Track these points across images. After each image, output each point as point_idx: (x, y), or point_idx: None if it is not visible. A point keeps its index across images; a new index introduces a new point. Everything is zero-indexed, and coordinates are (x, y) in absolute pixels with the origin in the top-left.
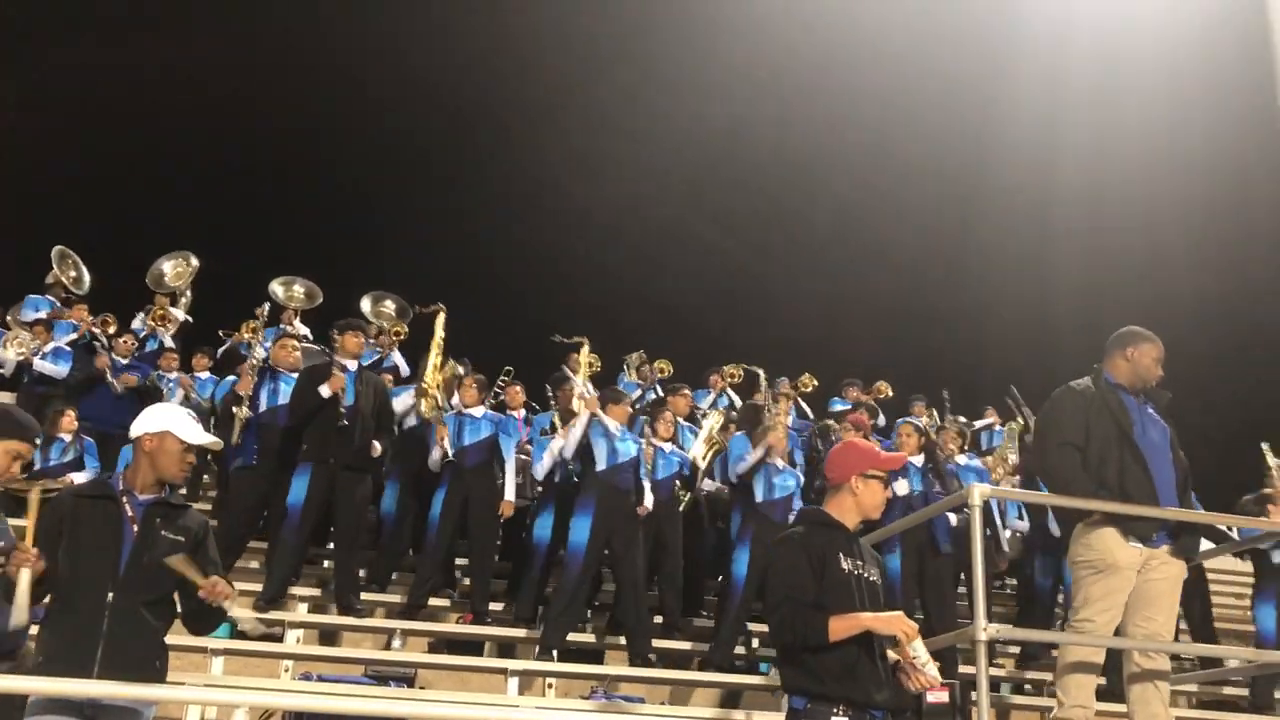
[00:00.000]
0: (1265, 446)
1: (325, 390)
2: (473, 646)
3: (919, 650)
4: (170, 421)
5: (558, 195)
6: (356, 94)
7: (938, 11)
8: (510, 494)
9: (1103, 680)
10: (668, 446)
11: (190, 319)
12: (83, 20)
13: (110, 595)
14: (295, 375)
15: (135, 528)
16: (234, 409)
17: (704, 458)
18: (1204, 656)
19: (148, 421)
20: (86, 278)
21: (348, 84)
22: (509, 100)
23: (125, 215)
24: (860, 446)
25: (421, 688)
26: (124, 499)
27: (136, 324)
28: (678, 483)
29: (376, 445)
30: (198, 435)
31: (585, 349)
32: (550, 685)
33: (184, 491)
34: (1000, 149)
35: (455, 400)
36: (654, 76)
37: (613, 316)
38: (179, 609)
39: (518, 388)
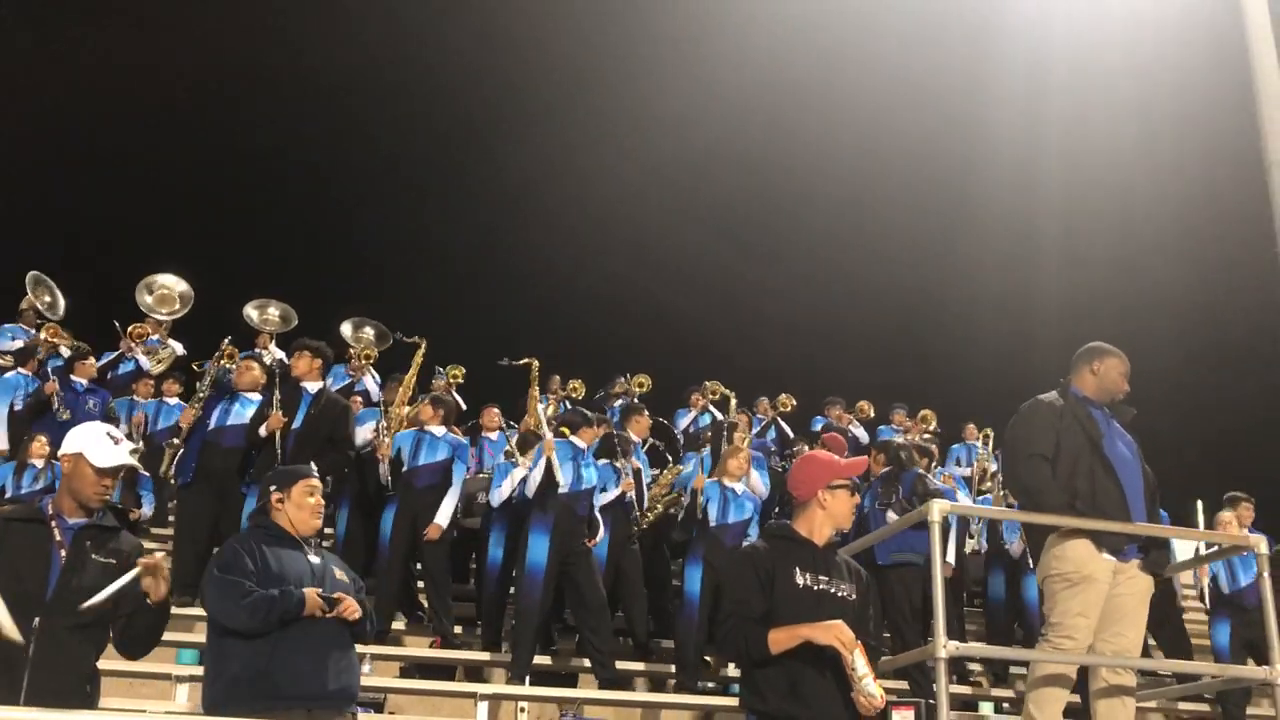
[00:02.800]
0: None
1: (263, 430)
2: (443, 671)
3: (859, 664)
4: (84, 443)
5: (542, 204)
6: (337, 104)
7: (923, 22)
8: (442, 519)
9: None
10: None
11: (186, 353)
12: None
13: (36, 620)
14: (252, 397)
15: (63, 552)
16: (170, 439)
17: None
18: (1180, 673)
19: (66, 443)
20: (61, 302)
21: (329, 94)
22: (494, 108)
23: (92, 237)
24: (820, 458)
25: (391, 713)
26: (53, 523)
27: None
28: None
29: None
30: (109, 457)
31: (535, 372)
32: (522, 709)
33: (148, 513)
34: (980, 158)
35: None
36: (640, 87)
37: (598, 328)
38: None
39: (494, 410)
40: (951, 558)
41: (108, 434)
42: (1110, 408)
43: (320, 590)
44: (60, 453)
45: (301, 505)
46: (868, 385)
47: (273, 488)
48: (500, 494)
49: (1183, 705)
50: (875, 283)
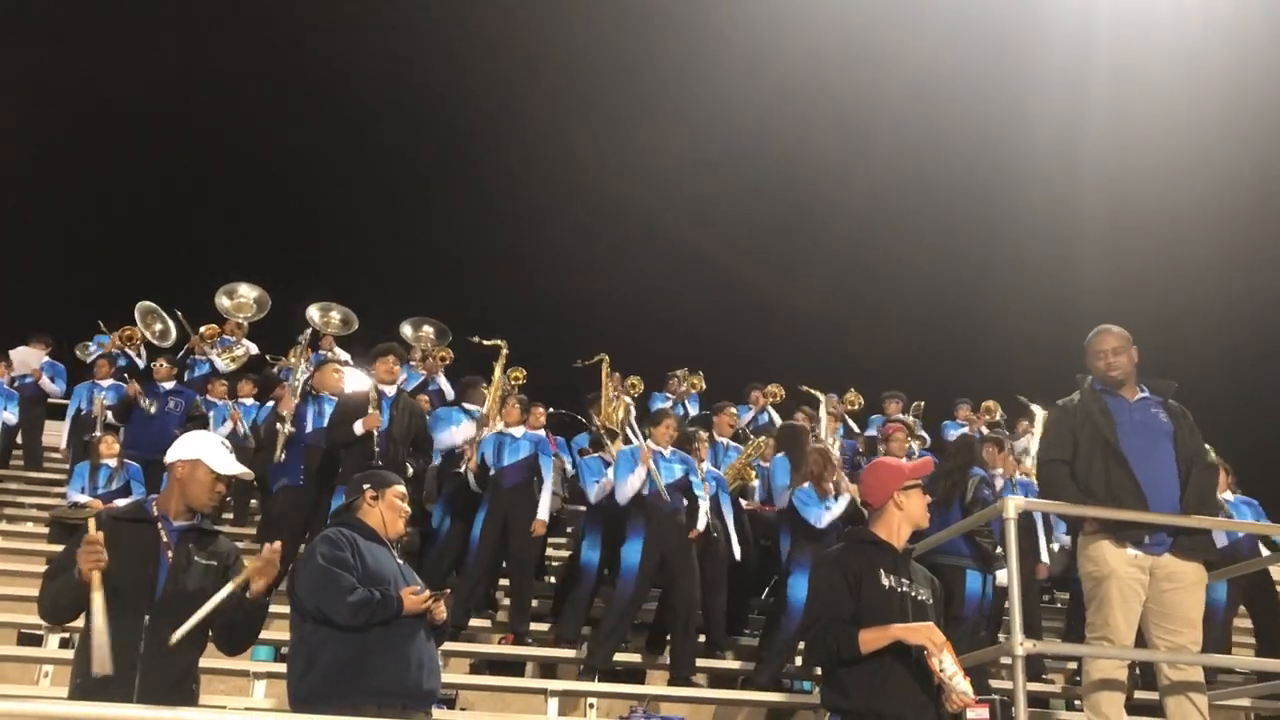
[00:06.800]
0: None
1: (359, 428)
2: (514, 667)
3: (947, 664)
4: (203, 450)
5: (564, 211)
6: (362, 112)
7: (958, 19)
8: (544, 513)
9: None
10: (704, 466)
11: (258, 351)
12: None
13: (146, 619)
14: (336, 398)
15: (170, 553)
16: (277, 426)
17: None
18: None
19: (182, 448)
20: (173, 331)
21: (346, 93)
22: (516, 118)
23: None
24: (888, 464)
25: (463, 709)
26: (159, 524)
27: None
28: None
29: (409, 467)
30: (229, 466)
31: (605, 368)
32: (592, 705)
33: (230, 516)
34: (1022, 153)
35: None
36: (673, 84)
37: (625, 335)
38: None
39: (540, 409)
40: (1045, 555)
41: (221, 443)
42: (1148, 386)
43: (415, 589)
44: (173, 457)
45: (393, 507)
46: (907, 384)
47: (367, 486)
48: (597, 490)
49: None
50: (914, 282)
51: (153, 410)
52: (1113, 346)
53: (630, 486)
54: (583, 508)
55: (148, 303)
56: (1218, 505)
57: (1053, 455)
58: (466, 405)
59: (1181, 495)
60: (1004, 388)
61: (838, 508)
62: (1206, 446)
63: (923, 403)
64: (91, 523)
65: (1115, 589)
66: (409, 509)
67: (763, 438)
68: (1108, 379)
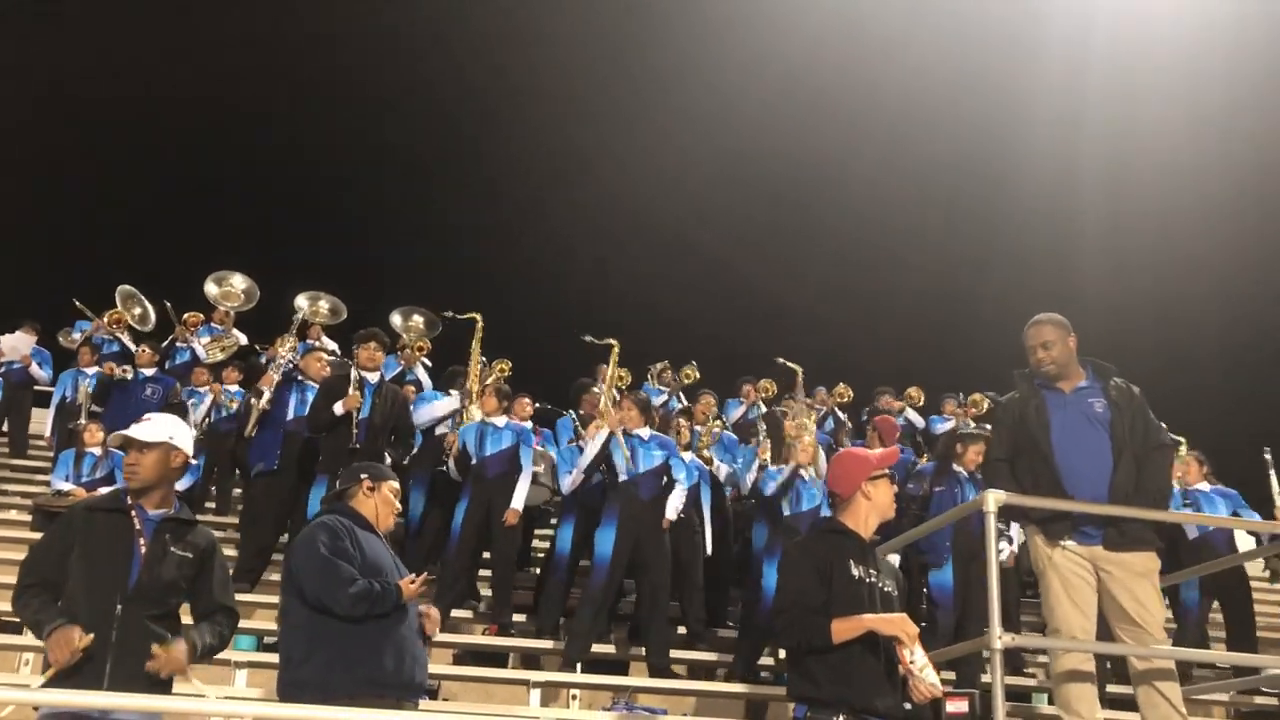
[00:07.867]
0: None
1: (339, 408)
2: (496, 658)
3: (918, 655)
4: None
5: (564, 205)
6: (362, 105)
7: (957, 17)
8: (518, 503)
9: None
10: (687, 456)
11: (247, 341)
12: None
13: (118, 608)
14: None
15: (143, 541)
16: (252, 401)
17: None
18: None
19: None
20: (152, 315)
21: (353, 95)
22: (514, 109)
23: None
24: (856, 454)
25: (445, 699)
26: (133, 513)
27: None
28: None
29: (387, 456)
30: (132, 431)
31: (615, 354)
32: (574, 697)
33: (213, 505)
34: (1021, 150)
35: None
36: (672, 82)
37: (623, 330)
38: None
39: (525, 400)
40: (1017, 546)
41: (145, 417)
42: (1093, 367)
43: (410, 579)
44: None
45: (387, 501)
46: (906, 380)
47: (365, 475)
48: (569, 483)
49: (1256, 699)
50: (913, 279)
51: (129, 375)
52: (1043, 340)
53: (586, 455)
54: None
55: (128, 286)
56: (1164, 489)
57: (993, 454)
58: (451, 391)
59: (1110, 486)
60: (1003, 385)
61: (781, 476)
62: (1162, 425)
63: (903, 402)
64: (80, 638)
65: (1055, 579)
66: (400, 505)
67: (717, 423)
68: (1041, 373)
